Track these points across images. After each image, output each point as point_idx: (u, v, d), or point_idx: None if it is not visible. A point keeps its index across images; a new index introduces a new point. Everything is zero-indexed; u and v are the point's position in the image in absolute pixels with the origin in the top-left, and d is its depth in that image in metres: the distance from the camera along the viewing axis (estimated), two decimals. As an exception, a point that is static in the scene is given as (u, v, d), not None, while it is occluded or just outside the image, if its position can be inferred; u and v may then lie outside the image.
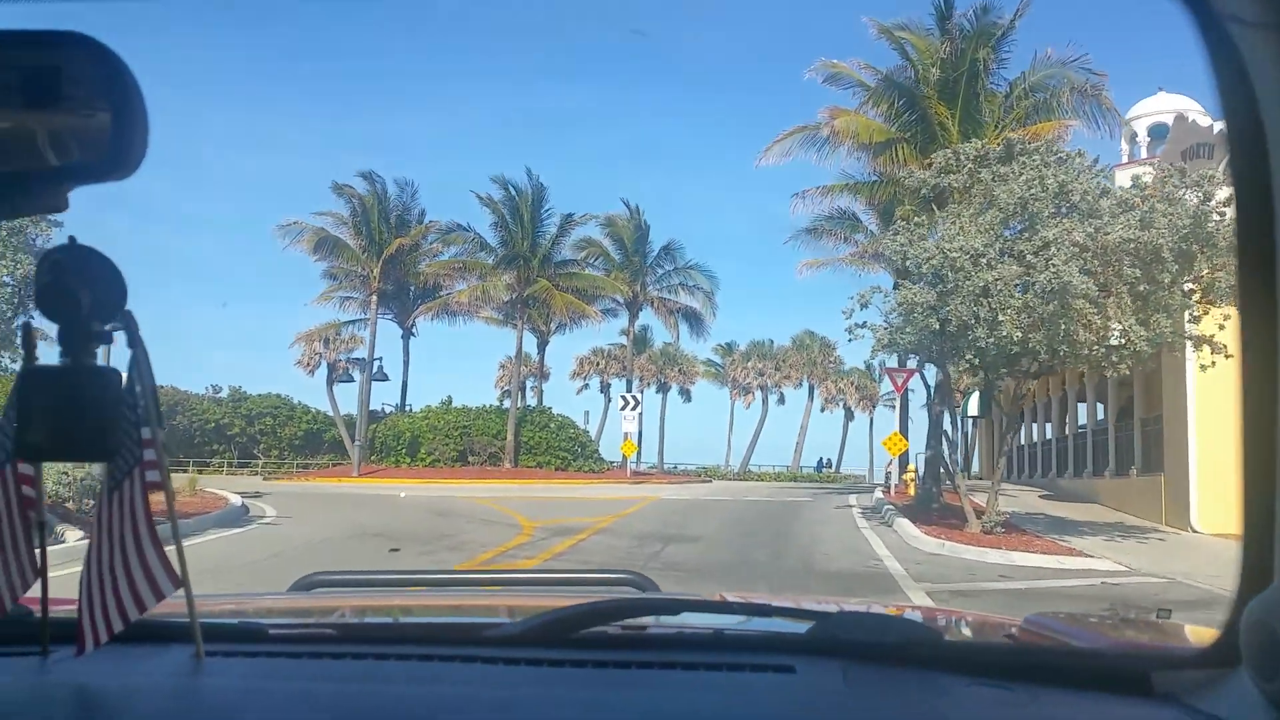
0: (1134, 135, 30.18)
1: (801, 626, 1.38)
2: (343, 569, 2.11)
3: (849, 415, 60.30)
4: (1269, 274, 0.81)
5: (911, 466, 23.66)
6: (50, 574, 1.21)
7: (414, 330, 40.38)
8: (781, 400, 59.38)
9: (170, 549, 1.16)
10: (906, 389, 23.17)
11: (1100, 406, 24.25)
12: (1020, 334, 11.80)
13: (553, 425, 35.01)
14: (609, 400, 60.70)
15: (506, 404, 37.09)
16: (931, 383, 18.15)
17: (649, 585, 1.89)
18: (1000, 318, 11.82)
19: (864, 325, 15.78)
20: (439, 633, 1.47)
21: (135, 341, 1.06)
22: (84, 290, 0.96)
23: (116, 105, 0.78)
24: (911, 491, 22.56)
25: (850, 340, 15.25)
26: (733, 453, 61.01)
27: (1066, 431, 27.32)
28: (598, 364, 56.90)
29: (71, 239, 0.98)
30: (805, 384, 57.86)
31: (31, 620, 1.22)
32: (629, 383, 39.53)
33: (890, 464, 24.89)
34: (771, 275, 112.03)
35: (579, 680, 1.17)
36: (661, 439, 58.96)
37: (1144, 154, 29.00)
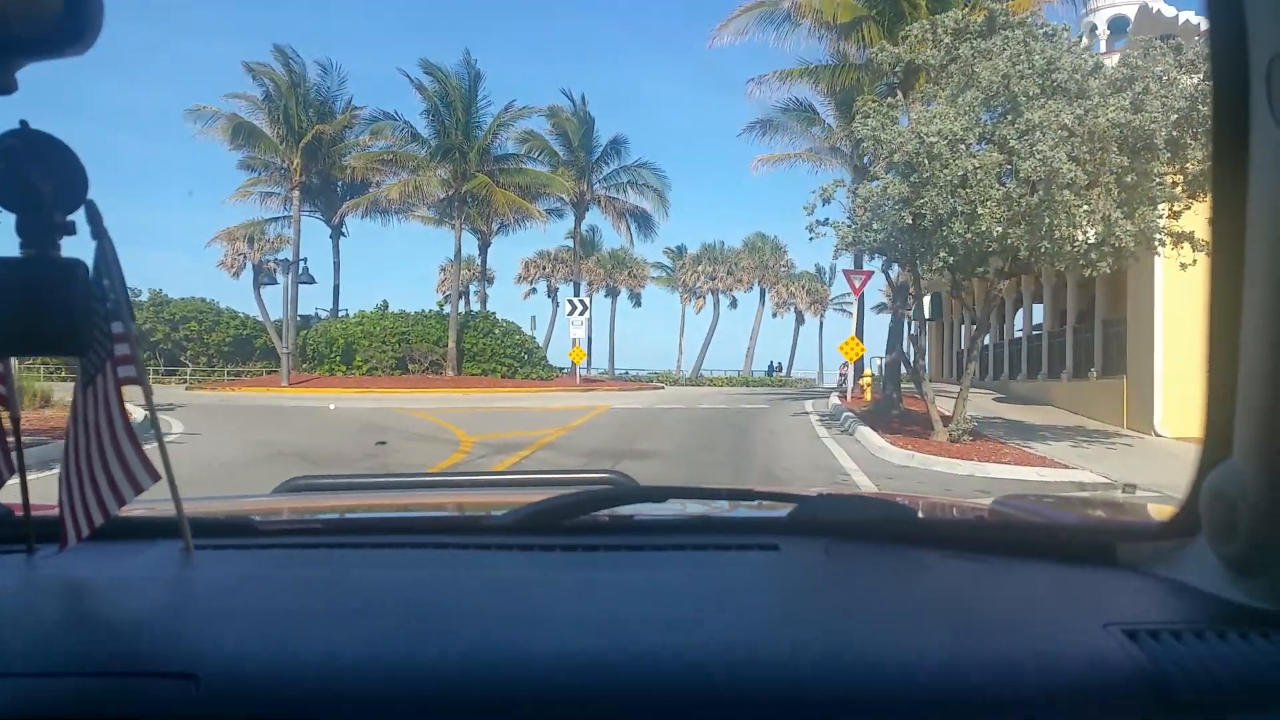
0: (1094, 28, 28.94)
1: (784, 510, 1.41)
2: (323, 474, 2.13)
3: (800, 319, 59.96)
4: (1242, 160, 0.84)
5: (868, 371, 23.00)
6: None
7: (344, 230, 38.33)
8: (733, 304, 58.73)
9: (151, 447, 1.15)
10: (863, 293, 22.31)
11: (1040, 309, 23.71)
12: (1000, 229, 10.76)
13: (497, 331, 33.64)
14: (557, 306, 59.35)
15: (448, 310, 35.62)
16: (894, 284, 17.21)
17: (629, 483, 1.83)
18: (980, 211, 10.74)
19: (826, 222, 14.68)
20: (431, 524, 1.47)
21: (100, 233, 1.02)
22: (44, 178, 0.92)
23: None
24: (868, 397, 21.93)
25: (811, 239, 14.17)
26: (684, 358, 60.53)
27: (1019, 334, 26.88)
28: (544, 267, 55.27)
29: (23, 123, 0.93)
30: (757, 288, 57.11)
31: (14, 519, 1.21)
32: (576, 287, 38.19)
33: (844, 367, 24.20)
34: (725, 175, 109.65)
35: (572, 563, 1.19)
36: (612, 345, 58.12)
37: (1104, 48, 27.85)
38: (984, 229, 10.71)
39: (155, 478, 1.13)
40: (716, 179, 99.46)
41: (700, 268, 56.19)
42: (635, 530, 1.38)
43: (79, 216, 1.00)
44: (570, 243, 60.19)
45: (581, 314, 32.28)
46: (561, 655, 0.86)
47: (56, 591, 1.10)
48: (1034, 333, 25.41)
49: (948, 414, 13.45)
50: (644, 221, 39.17)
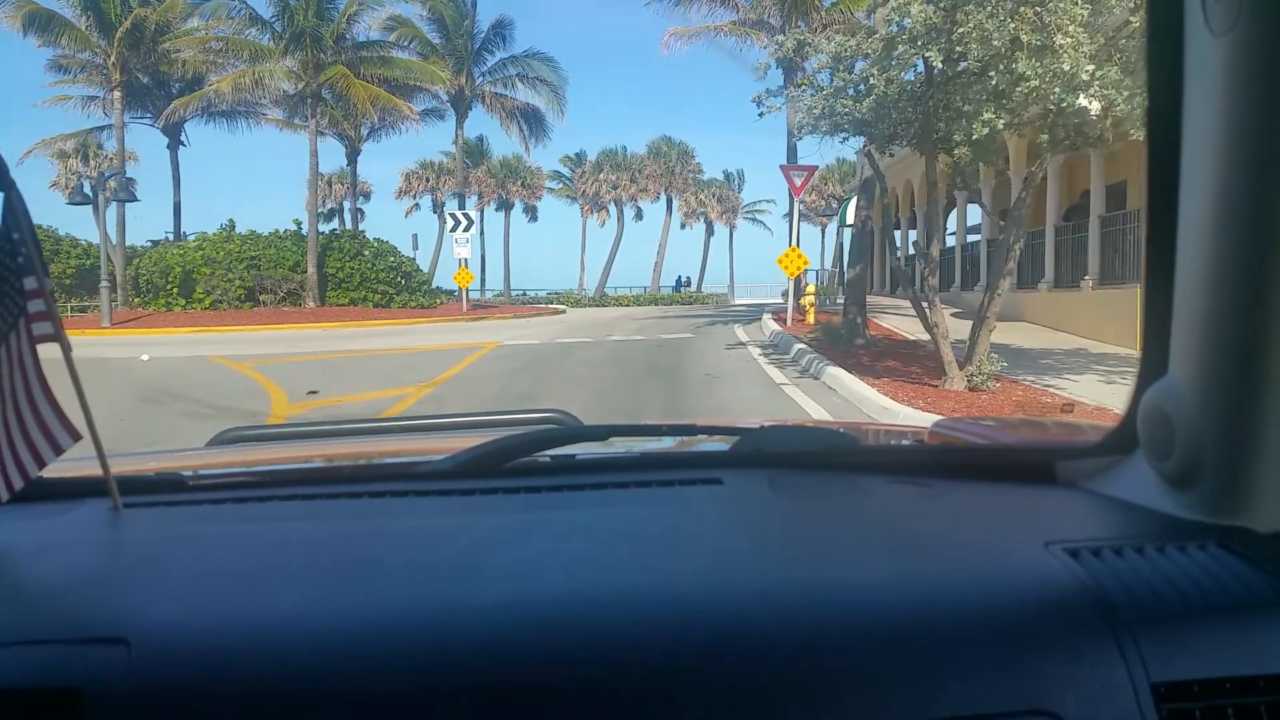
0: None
1: (728, 444, 1.42)
2: (257, 425, 2.08)
3: (710, 230, 55.99)
4: (1178, 68, 0.85)
5: (810, 288, 19.25)
6: None
7: (184, 139, 32.17)
8: (638, 216, 54.32)
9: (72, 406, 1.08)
10: (799, 195, 18.39)
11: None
12: (1091, 69, 6.83)
13: (367, 253, 28.55)
14: (444, 223, 53.87)
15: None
16: (860, 178, 13.28)
17: (573, 421, 1.81)
18: (1058, 40, 6.78)
19: (783, 92, 10.50)
20: (368, 473, 1.46)
21: (8, 185, 0.98)
22: None
23: None
24: (811, 319, 18.28)
25: (761, 115, 10.09)
26: (587, 275, 56.20)
27: (977, 239, 23.57)
28: (427, 180, 49.55)
29: None
30: (663, 197, 52.74)
31: None
32: (461, 199, 33.13)
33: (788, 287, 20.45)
34: (628, 70, 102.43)
35: (513, 505, 1.17)
36: (507, 264, 53.26)
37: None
38: (1066, 68, 6.76)
39: (76, 437, 1.06)
40: (619, 75, 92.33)
41: (602, 175, 51.31)
42: (578, 470, 1.36)
43: None
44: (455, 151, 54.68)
45: (466, 230, 27.52)
46: (499, 601, 0.84)
47: None
48: (996, 237, 22.07)
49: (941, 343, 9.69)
50: (536, 122, 34.20)
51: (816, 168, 18.39)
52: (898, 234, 34.48)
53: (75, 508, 1.17)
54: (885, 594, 0.84)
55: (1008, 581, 0.85)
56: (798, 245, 18.53)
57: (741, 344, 16.41)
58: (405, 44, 30.41)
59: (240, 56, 26.49)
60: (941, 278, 29.41)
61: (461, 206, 32.59)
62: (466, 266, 27.91)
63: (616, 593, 0.85)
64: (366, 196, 53.62)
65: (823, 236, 59.72)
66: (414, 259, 30.93)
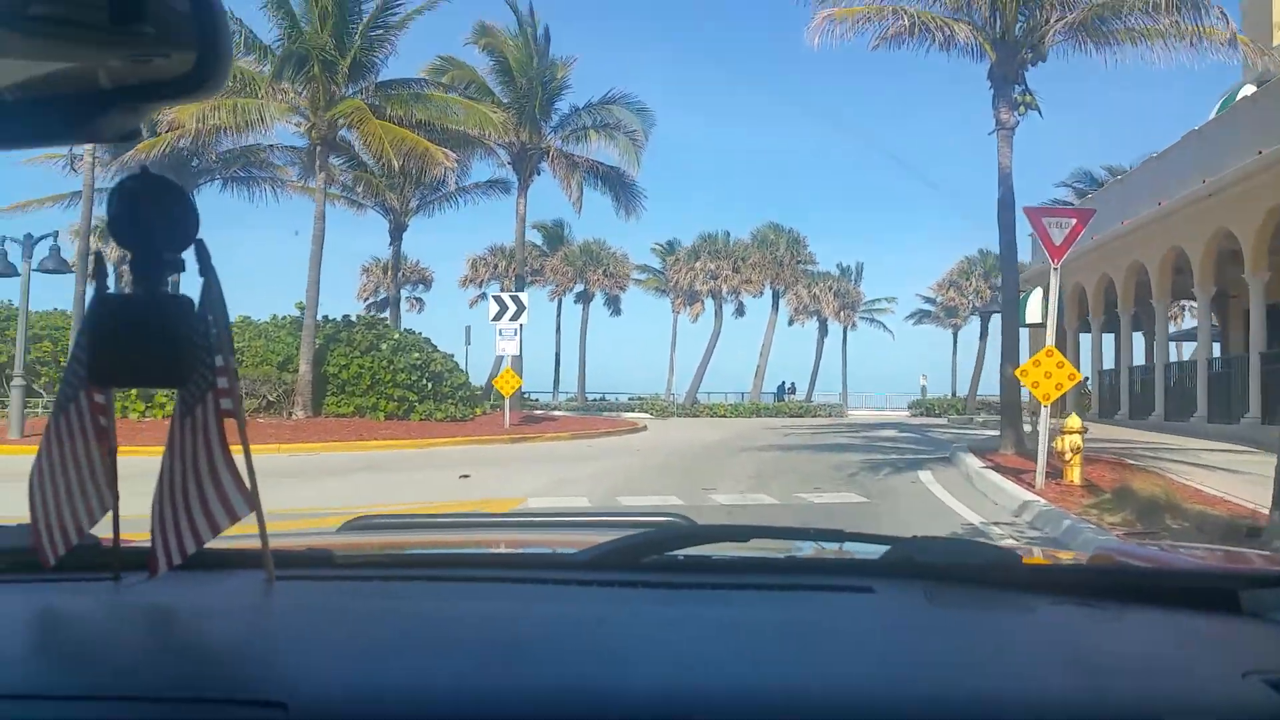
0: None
1: (877, 551, 1.36)
2: (388, 515, 2.08)
3: (824, 329, 47.84)
4: None
5: (1073, 421, 10.78)
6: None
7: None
8: (739, 311, 46.64)
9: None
10: (1059, 259, 10.31)
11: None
12: None
13: (384, 347, 21.47)
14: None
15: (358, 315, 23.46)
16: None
17: (691, 524, 1.79)
18: None
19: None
20: (508, 560, 1.52)
21: (207, 270, 1.06)
22: (157, 218, 0.97)
23: (200, 21, 0.74)
24: (1075, 476, 10.04)
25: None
26: (676, 378, 48.54)
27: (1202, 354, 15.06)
28: (497, 266, 43.13)
29: (144, 168, 1.00)
30: (768, 290, 45.08)
31: (103, 549, 1.22)
32: (520, 280, 26.07)
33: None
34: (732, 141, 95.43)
35: (657, 599, 1.17)
36: (582, 362, 46.16)
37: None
38: None
39: (252, 507, 1.12)
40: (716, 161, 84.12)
41: (698, 264, 43.92)
42: (716, 569, 1.32)
43: (189, 254, 1.03)
44: (538, 236, 48.37)
45: (515, 318, 20.21)
46: (650, 689, 0.85)
47: (144, 617, 1.12)
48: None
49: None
50: (618, 186, 27.08)
51: (1092, 213, 10.44)
52: (1084, 337, 25.92)
53: (232, 576, 1.24)
54: (1072, 714, 0.80)
55: (1208, 710, 0.82)
56: (1054, 347, 10.32)
57: (976, 531, 8.19)
58: (461, 87, 23.90)
59: (242, 88, 20.14)
60: (1134, 403, 21.02)
61: (520, 289, 25.51)
62: (513, 368, 20.47)
63: (784, 692, 0.84)
64: (427, 284, 47.77)
65: (955, 342, 50.90)
66: (449, 356, 23.75)
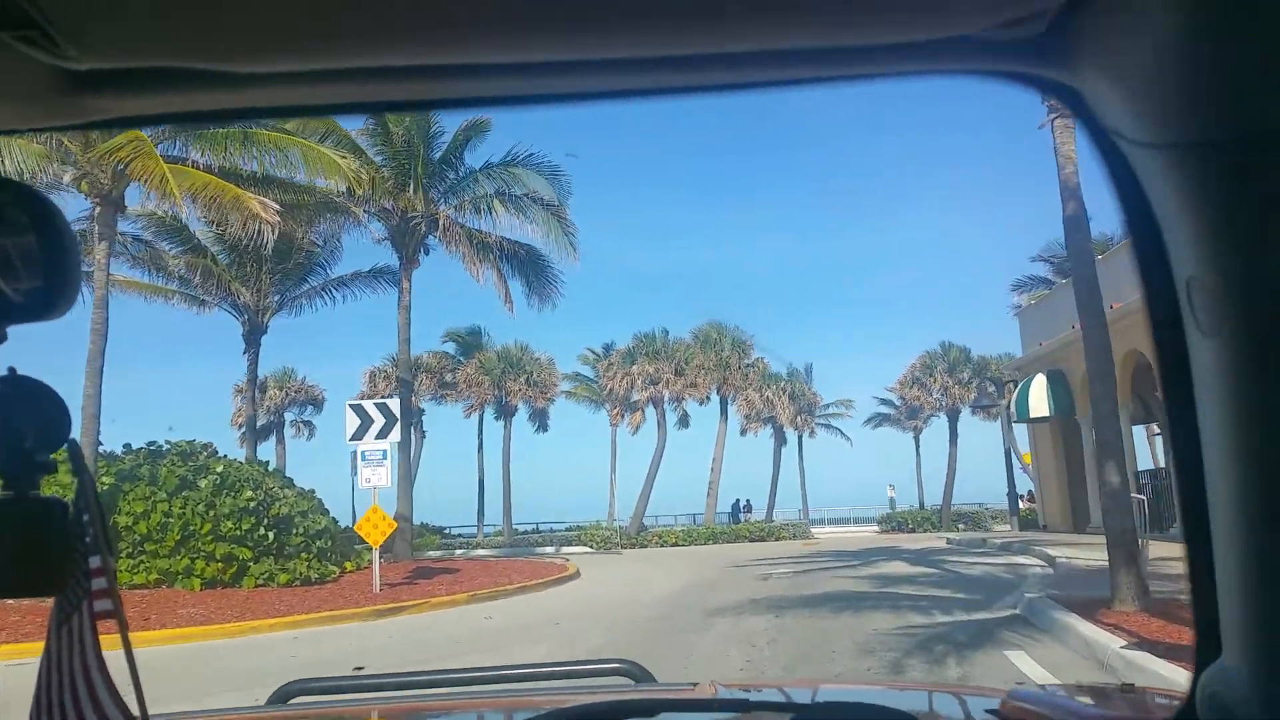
0: None
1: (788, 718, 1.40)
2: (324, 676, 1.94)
3: (780, 438, 42.35)
4: (1184, 379, 0.86)
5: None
6: None
7: None
8: (684, 422, 41.05)
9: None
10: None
11: None
12: None
13: (203, 485, 15.18)
14: (424, 435, 40.78)
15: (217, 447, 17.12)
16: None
17: (642, 674, 1.84)
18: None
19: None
20: None
21: (81, 470, 1.01)
22: (27, 421, 0.92)
23: (48, 247, 0.80)
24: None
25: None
26: (619, 502, 42.37)
27: None
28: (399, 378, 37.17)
29: (11, 369, 0.94)
30: (715, 397, 39.79)
31: None
32: (408, 389, 20.17)
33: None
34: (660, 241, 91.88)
35: None
36: (507, 490, 39.70)
37: None
38: None
39: (129, 719, 1.06)
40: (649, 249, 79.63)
41: (634, 368, 38.44)
42: None
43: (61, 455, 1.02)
44: (449, 346, 42.66)
45: (382, 434, 14.32)
46: None
47: None
48: None
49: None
50: (531, 269, 21.72)
51: None
52: (1138, 430, 21.15)
53: None
54: None
55: None
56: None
57: None
58: (315, 139, 18.59)
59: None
60: (1152, 513, 18.10)
61: (406, 401, 19.53)
62: (378, 506, 14.35)
63: None
64: (318, 405, 41.29)
65: (917, 446, 46.01)
66: (311, 493, 17.50)
